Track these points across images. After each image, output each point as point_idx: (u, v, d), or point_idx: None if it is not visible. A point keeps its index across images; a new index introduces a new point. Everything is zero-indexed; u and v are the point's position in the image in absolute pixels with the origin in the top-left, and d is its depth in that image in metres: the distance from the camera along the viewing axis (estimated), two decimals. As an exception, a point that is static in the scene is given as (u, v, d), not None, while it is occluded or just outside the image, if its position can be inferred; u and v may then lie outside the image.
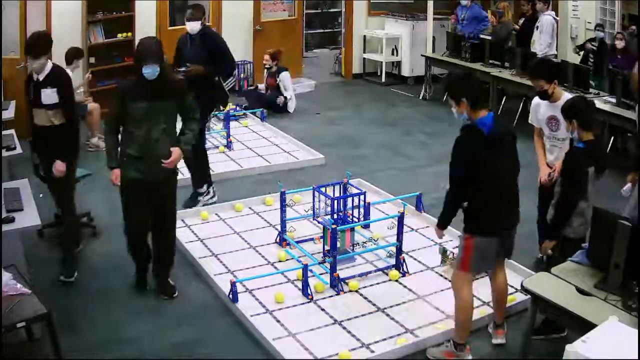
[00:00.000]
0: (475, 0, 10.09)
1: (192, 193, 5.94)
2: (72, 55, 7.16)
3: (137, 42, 4.32)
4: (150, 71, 4.03)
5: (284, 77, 8.97)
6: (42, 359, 3.43)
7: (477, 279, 4.16)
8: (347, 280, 4.54)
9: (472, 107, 3.52)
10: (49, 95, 4.32)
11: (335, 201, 4.92)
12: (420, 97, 10.03)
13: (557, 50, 8.94)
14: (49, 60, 4.35)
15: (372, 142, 7.92)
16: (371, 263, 4.85)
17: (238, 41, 10.03)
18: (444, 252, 4.78)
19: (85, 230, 5.40)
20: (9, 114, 6.34)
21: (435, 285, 4.56)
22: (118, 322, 4.15)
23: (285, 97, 9.00)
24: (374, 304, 4.31)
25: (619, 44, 7.71)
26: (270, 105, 8.89)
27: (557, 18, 8.93)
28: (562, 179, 3.91)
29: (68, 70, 7.20)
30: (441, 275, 4.68)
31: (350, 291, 4.47)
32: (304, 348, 3.86)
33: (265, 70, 9.09)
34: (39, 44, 4.33)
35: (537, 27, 8.84)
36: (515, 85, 8.18)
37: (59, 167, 4.42)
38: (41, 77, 4.33)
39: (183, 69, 5.57)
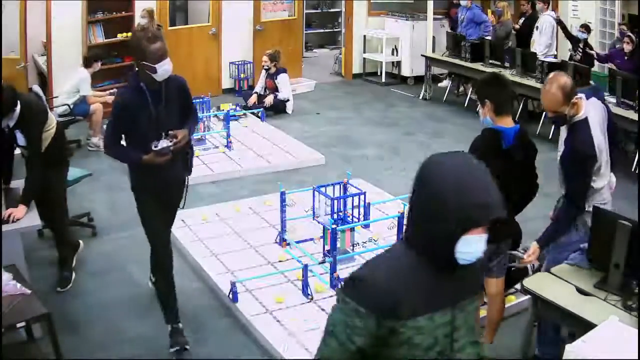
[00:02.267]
0: (475, 0, 10.11)
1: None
2: (93, 59, 7.47)
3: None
4: None
5: (282, 79, 8.95)
6: (42, 359, 3.43)
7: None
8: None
9: (495, 111, 3.33)
10: (21, 138, 4.25)
11: (335, 201, 4.92)
12: (420, 97, 10.03)
13: (557, 50, 8.96)
14: (16, 109, 4.12)
15: (372, 142, 7.92)
16: (371, 263, 4.84)
17: (238, 41, 10.05)
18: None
19: (85, 230, 5.40)
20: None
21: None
22: (118, 322, 4.16)
23: (276, 96, 8.93)
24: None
25: (627, 47, 7.68)
26: (272, 107, 8.87)
27: (557, 18, 8.94)
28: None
29: (87, 72, 7.31)
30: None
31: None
32: (304, 348, 3.86)
33: (264, 72, 9.05)
34: (3, 103, 4.04)
35: (537, 28, 8.86)
36: (516, 85, 8.16)
37: (15, 212, 3.98)
38: (11, 124, 4.17)
39: (165, 144, 3.56)
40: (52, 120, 4.46)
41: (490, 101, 3.34)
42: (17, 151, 4.45)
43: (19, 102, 4.13)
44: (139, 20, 8.28)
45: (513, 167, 3.32)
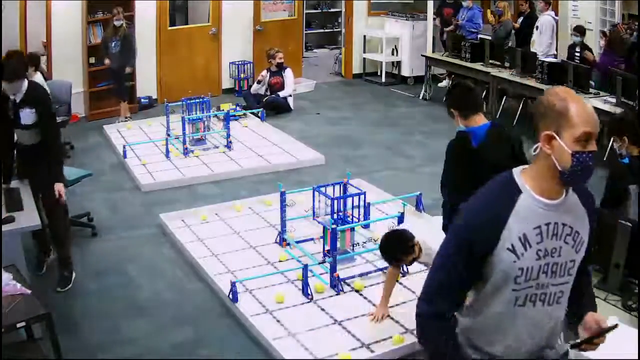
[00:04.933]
0: (476, 0, 10.11)
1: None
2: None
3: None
4: None
5: (290, 74, 8.98)
6: (42, 359, 3.43)
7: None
8: (351, 281, 4.54)
9: (462, 117, 3.48)
10: (28, 116, 4.20)
11: (335, 201, 4.92)
12: (420, 97, 10.03)
13: (556, 50, 8.95)
14: (25, 80, 4.15)
15: (372, 142, 7.92)
16: (371, 263, 4.85)
17: (238, 41, 10.05)
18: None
19: (85, 230, 5.40)
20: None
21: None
22: (118, 322, 4.15)
23: (277, 96, 8.96)
24: (374, 304, 4.31)
25: (601, 42, 7.78)
26: (272, 107, 8.87)
27: (557, 18, 8.93)
28: (604, 194, 3.83)
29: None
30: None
31: (351, 291, 4.47)
32: (304, 348, 3.86)
33: (266, 71, 9.04)
34: (12, 67, 4.05)
35: (537, 27, 8.84)
36: (515, 85, 8.18)
37: (61, 190, 4.29)
38: (18, 98, 4.15)
39: None
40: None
41: (454, 109, 3.50)
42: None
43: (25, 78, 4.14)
44: (116, 23, 8.13)
45: (485, 167, 3.07)
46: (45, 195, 4.31)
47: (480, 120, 3.45)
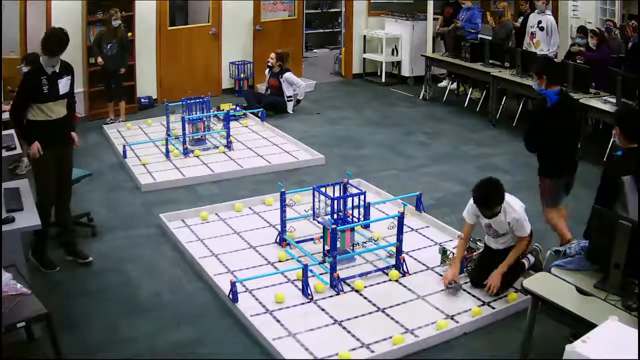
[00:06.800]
0: (475, 0, 10.10)
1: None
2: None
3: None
4: None
5: (289, 77, 8.98)
6: (42, 359, 3.43)
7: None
8: (352, 280, 4.54)
9: (548, 81, 4.53)
10: (65, 84, 4.58)
11: (335, 201, 4.92)
12: (420, 97, 10.03)
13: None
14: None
15: (372, 142, 7.92)
16: (371, 263, 4.85)
17: (238, 41, 10.06)
18: (444, 252, 4.78)
19: (85, 230, 5.40)
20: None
21: (435, 285, 4.56)
22: (118, 322, 4.15)
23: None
24: (374, 304, 4.31)
25: (591, 41, 7.77)
26: (272, 107, 8.88)
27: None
28: (599, 186, 3.89)
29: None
30: (441, 275, 4.67)
31: (351, 291, 4.47)
32: (304, 348, 3.86)
33: (268, 70, 9.07)
34: (62, 43, 4.48)
35: (542, 28, 8.75)
36: (515, 85, 8.17)
37: (76, 138, 4.86)
38: (57, 69, 4.51)
39: None
40: None
41: (545, 74, 4.55)
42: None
43: None
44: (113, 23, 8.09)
45: (560, 120, 4.53)
46: (62, 150, 4.71)
47: (554, 87, 4.55)
